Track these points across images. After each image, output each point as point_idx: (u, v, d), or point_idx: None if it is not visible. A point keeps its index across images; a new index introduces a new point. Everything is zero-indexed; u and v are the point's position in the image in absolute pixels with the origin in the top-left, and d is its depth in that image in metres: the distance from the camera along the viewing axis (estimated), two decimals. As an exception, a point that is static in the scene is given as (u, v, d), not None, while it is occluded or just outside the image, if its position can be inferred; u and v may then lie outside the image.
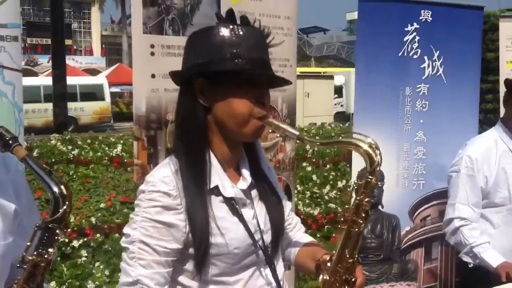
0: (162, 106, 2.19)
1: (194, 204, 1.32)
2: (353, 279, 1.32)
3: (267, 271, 1.44)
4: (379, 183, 1.34)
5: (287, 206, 1.59)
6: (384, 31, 3.16)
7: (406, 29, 3.23)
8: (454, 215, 2.44)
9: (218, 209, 1.36)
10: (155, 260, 1.31)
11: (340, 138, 1.35)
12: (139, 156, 2.15)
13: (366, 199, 1.30)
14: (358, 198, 1.31)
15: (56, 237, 1.07)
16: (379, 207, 3.19)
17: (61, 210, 1.06)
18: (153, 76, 2.16)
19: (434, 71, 3.37)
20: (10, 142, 1.08)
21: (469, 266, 2.42)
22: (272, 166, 1.64)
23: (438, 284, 3.47)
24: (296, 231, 1.61)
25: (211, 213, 1.33)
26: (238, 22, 1.36)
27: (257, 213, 1.43)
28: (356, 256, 1.33)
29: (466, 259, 2.41)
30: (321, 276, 1.35)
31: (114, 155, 9.00)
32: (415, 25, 3.25)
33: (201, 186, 1.33)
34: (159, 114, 2.18)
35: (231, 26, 1.33)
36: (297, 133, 1.34)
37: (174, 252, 1.33)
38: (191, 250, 1.34)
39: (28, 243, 1.07)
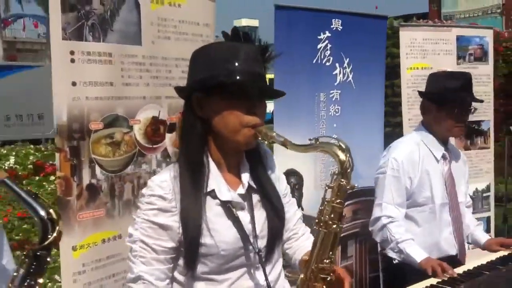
0: (84, 115, 2.09)
1: (188, 206, 1.43)
2: (328, 278, 1.39)
3: (259, 274, 1.53)
4: (347, 187, 1.39)
5: (296, 215, 1.70)
6: (299, 39, 3.26)
7: (319, 37, 3.36)
8: (381, 213, 2.56)
9: (213, 211, 1.47)
10: (154, 258, 1.45)
11: (318, 143, 1.40)
12: (62, 168, 2.04)
13: (339, 201, 1.36)
14: (333, 200, 1.35)
15: (45, 266, 1.02)
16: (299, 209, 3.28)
17: (50, 237, 1.02)
18: (74, 84, 2.06)
19: (345, 78, 3.54)
20: None
21: (394, 262, 2.55)
22: (284, 176, 1.72)
23: (354, 280, 3.63)
24: (304, 240, 1.68)
25: (204, 215, 1.44)
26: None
27: (256, 217, 1.52)
28: (333, 256, 1.40)
29: (392, 254, 2.54)
30: (300, 276, 1.43)
31: (7, 167, 8.40)
32: (327, 34, 3.39)
33: (198, 190, 1.45)
34: (81, 123, 2.08)
35: (227, 43, 1.48)
36: (283, 139, 1.43)
37: (171, 250, 1.47)
38: (183, 249, 1.46)
39: (15, 274, 1.01)
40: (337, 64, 3.47)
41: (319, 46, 3.37)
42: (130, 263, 1.48)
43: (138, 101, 2.30)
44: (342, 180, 1.38)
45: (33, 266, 1.00)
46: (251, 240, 1.50)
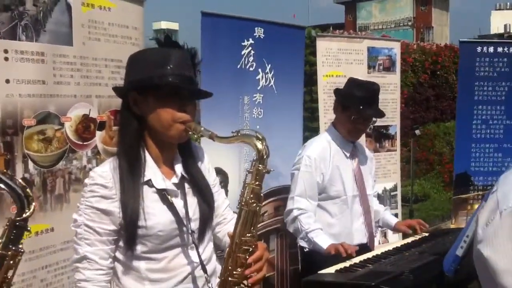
0: (17, 111, 2.16)
1: (127, 194, 1.60)
2: (250, 250, 1.58)
3: (192, 252, 1.71)
4: (264, 171, 1.59)
5: (224, 203, 1.90)
6: (225, 45, 3.45)
7: (243, 43, 3.58)
8: (293, 206, 2.79)
9: (149, 198, 1.64)
10: (97, 239, 1.60)
11: (239, 134, 1.60)
12: (-6, 163, 2.09)
13: (257, 183, 1.57)
14: (252, 183, 1.55)
15: (22, 234, 1.16)
16: (224, 206, 3.46)
17: (27, 210, 1.16)
18: (7, 81, 2.12)
19: (267, 82, 3.78)
20: None
21: (305, 250, 2.79)
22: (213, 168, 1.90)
23: (275, 273, 3.86)
24: (232, 225, 1.81)
25: (141, 202, 1.61)
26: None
27: (188, 203, 1.71)
28: (254, 231, 1.58)
29: (303, 244, 2.77)
30: (226, 249, 1.61)
31: None
32: (251, 41, 3.61)
33: (135, 179, 1.62)
34: (15, 119, 2.15)
35: (160, 49, 1.66)
36: (209, 133, 1.62)
37: (113, 232, 1.62)
38: (123, 232, 1.62)
39: (1, 240, 1.14)
40: (260, 70, 3.70)
41: (243, 52, 3.58)
42: (75, 245, 1.62)
43: (69, 99, 2.39)
44: (260, 165, 1.58)
45: (13, 234, 1.15)
46: (185, 222, 1.68)
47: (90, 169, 2.49)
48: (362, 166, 2.97)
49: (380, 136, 4.73)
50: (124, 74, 2.45)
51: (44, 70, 2.26)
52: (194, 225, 1.72)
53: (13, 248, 1.14)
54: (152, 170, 1.67)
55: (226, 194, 3.47)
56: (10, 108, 2.13)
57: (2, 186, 1.16)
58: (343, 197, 2.86)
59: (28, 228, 1.17)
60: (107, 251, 1.63)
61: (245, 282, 1.62)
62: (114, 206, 1.61)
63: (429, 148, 10.12)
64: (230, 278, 1.60)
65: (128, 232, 1.61)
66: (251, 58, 3.64)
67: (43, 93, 2.26)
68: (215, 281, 1.72)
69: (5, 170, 1.18)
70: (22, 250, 1.18)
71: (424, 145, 10.10)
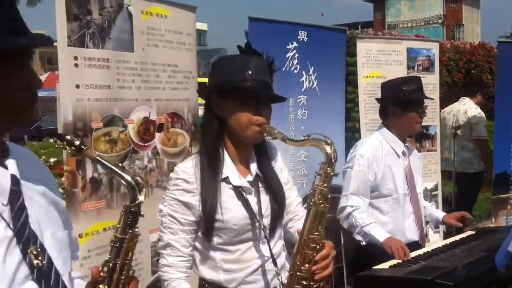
0: (87, 114, 2.30)
1: (207, 189, 1.75)
2: (318, 247, 1.65)
3: (264, 247, 1.83)
4: (332, 174, 1.67)
5: (296, 200, 1.99)
6: (270, 48, 3.51)
7: (287, 47, 3.67)
8: (346, 203, 2.87)
9: (226, 194, 1.79)
10: (180, 229, 1.77)
11: (309, 138, 1.69)
12: (68, 163, 2.23)
13: (325, 185, 1.64)
14: (320, 185, 1.64)
15: (138, 219, 1.25)
16: (270, 205, 3.56)
17: (139, 197, 1.24)
18: (77, 86, 2.26)
19: (310, 84, 3.86)
20: (82, 146, 1.23)
21: (362, 244, 2.86)
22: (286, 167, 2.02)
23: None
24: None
25: (219, 197, 1.76)
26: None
27: (261, 200, 1.82)
28: (321, 230, 1.66)
29: (358, 238, 2.84)
30: (295, 246, 1.69)
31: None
32: (295, 44, 3.70)
33: (215, 176, 1.77)
34: (84, 122, 2.29)
35: (241, 55, 1.80)
36: (282, 135, 1.73)
37: (193, 223, 1.78)
38: (202, 224, 1.77)
39: (118, 225, 1.24)
40: (303, 72, 3.78)
41: (287, 55, 3.67)
42: (160, 233, 1.80)
43: (132, 103, 2.52)
44: (328, 168, 1.66)
45: (129, 219, 1.24)
46: (257, 218, 1.80)
47: (151, 169, 2.64)
48: (412, 165, 3.03)
49: (421, 136, 4.76)
50: (179, 78, 2.62)
51: (109, 75, 2.39)
52: (266, 221, 1.83)
53: (130, 231, 1.24)
54: (229, 168, 1.80)
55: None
56: (80, 112, 2.27)
57: (117, 177, 1.26)
58: (395, 195, 2.92)
59: (142, 213, 1.26)
60: (188, 240, 1.79)
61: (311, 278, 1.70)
62: (195, 200, 1.75)
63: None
64: (298, 273, 1.67)
65: (206, 224, 1.75)
66: (295, 61, 3.72)
67: (108, 97, 2.39)
68: (284, 275, 1.79)
69: (116, 162, 1.28)
70: (138, 233, 1.26)
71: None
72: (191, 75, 2.92)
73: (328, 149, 1.67)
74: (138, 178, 1.27)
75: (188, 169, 1.78)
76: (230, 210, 1.77)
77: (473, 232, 2.97)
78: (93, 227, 2.30)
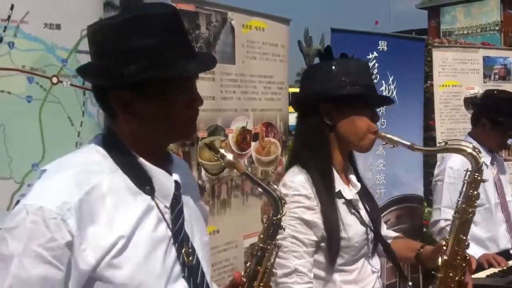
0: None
1: (327, 206, 1.63)
2: (468, 257, 1.68)
3: (372, 261, 1.77)
4: (480, 179, 1.68)
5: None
6: (352, 59, 3.60)
7: (368, 57, 3.71)
8: (440, 217, 2.88)
9: (342, 209, 1.68)
10: (305, 251, 1.61)
11: (447, 146, 1.72)
12: (176, 171, 2.35)
13: (476, 192, 1.67)
14: (470, 191, 1.67)
15: (277, 231, 1.32)
16: (352, 213, 3.60)
17: (281, 212, 1.31)
18: (186, 98, 2.39)
19: (390, 94, 3.88)
20: (234, 161, 1.30)
21: None
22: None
23: (397, 280, 3.93)
24: (384, 229, 1.96)
25: (339, 213, 1.65)
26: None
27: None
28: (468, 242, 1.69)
29: None
30: (441, 257, 1.69)
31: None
32: (375, 54, 3.74)
33: (330, 191, 1.65)
34: (192, 132, 2.41)
35: (344, 60, 1.72)
36: (409, 143, 1.72)
37: (315, 244, 1.64)
38: (322, 244, 1.64)
39: (261, 235, 1.32)
40: (383, 81, 3.81)
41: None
42: (280, 260, 1.56)
43: (232, 113, 2.64)
44: (477, 174, 1.68)
45: (270, 231, 1.32)
46: (368, 232, 1.74)
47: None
48: (501, 174, 3.01)
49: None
50: (274, 89, 2.57)
51: (214, 87, 2.51)
52: (371, 234, 1.76)
53: (271, 242, 1.31)
54: (338, 181, 1.70)
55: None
56: (186, 123, 2.39)
57: (262, 191, 1.34)
58: (487, 205, 2.92)
59: (283, 226, 1.33)
60: (312, 262, 1.63)
61: None
62: (317, 218, 1.62)
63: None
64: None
65: (334, 244, 1.62)
66: (375, 71, 3.75)
67: (213, 108, 2.51)
68: None
69: (262, 177, 1.38)
70: (279, 245, 1.33)
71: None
72: (283, 86, 3.02)
73: (474, 153, 1.68)
74: (281, 193, 1.34)
75: (306, 184, 1.64)
76: (352, 227, 1.67)
77: None
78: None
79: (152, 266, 1.11)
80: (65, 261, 1.02)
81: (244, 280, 1.29)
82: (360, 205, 1.76)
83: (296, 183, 1.64)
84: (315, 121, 1.70)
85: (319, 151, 1.69)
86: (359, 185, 1.78)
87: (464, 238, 1.70)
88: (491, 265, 2.57)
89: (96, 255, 1.04)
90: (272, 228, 1.32)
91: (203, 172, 2.46)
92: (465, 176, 1.72)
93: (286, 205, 1.32)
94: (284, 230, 1.35)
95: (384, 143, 1.75)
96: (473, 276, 2.43)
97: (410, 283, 1.86)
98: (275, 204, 1.31)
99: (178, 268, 1.18)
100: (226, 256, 2.58)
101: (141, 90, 1.12)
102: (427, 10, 34.18)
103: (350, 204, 1.71)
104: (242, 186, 2.72)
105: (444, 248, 1.70)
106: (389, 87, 3.86)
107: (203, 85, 2.46)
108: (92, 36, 1.15)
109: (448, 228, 2.80)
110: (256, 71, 2.77)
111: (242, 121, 2.70)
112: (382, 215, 3.89)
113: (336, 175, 1.71)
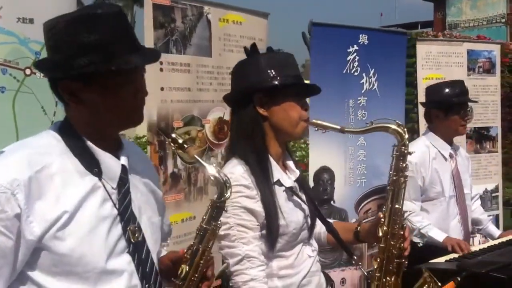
0: (169, 115, 2.54)
1: (266, 195, 1.68)
2: (404, 225, 1.76)
3: (308, 247, 1.83)
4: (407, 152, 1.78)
5: None
6: (332, 51, 3.70)
7: (348, 50, 3.80)
8: None
9: (281, 197, 1.74)
10: (252, 236, 1.66)
11: (374, 125, 1.82)
12: (152, 159, 2.48)
13: (404, 164, 1.78)
14: (400, 164, 1.77)
15: (222, 213, 1.40)
16: (332, 202, 3.72)
17: (226, 195, 1.39)
18: (162, 89, 2.51)
19: (370, 86, 3.97)
20: (184, 145, 1.39)
21: (419, 245, 2.97)
22: None
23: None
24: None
25: (277, 201, 1.71)
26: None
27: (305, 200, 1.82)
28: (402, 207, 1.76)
29: (416, 240, 2.96)
30: (381, 229, 1.76)
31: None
32: (355, 47, 3.84)
33: (268, 180, 1.71)
34: (167, 122, 2.53)
35: (276, 53, 1.81)
36: (339, 127, 1.81)
37: (260, 228, 1.68)
38: (263, 232, 1.69)
39: (204, 217, 1.40)
40: (364, 74, 3.90)
41: (348, 58, 3.80)
42: (229, 249, 1.65)
43: (209, 104, 2.75)
44: (403, 148, 1.78)
45: (214, 213, 1.40)
46: (306, 218, 1.80)
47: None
48: (460, 166, 3.11)
49: (481, 138, 4.77)
50: None
51: (189, 79, 2.63)
52: (309, 220, 1.82)
53: (214, 223, 1.38)
54: (276, 169, 1.76)
55: (333, 191, 3.75)
56: (164, 112, 2.51)
57: (210, 175, 1.40)
58: (442, 198, 3.02)
59: (226, 209, 1.40)
60: (261, 246, 1.67)
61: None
62: (258, 206, 1.67)
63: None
64: (392, 251, 1.75)
65: (273, 231, 1.67)
66: (356, 64, 3.85)
67: (189, 99, 2.63)
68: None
69: (211, 162, 1.46)
70: (220, 226, 1.40)
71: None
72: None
73: (399, 129, 1.77)
74: (226, 177, 1.40)
75: (245, 174, 1.68)
76: (289, 214, 1.72)
77: (534, 232, 3.03)
78: (172, 218, 2.51)
79: (94, 240, 1.23)
80: (15, 231, 1.15)
81: (188, 257, 1.39)
82: (299, 191, 1.84)
83: (236, 174, 1.68)
84: (250, 113, 1.75)
85: (255, 141, 1.75)
86: (297, 171, 1.84)
87: (399, 207, 1.78)
88: (453, 250, 2.68)
89: (41, 227, 1.17)
90: (216, 210, 1.40)
91: (178, 160, 2.58)
92: (393, 151, 1.81)
93: (230, 189, 1.39)
94: (226, 212, 1.43)
95: (316, 129, 1.84)
96: (432, 260, 2.56)
97: (355, 257, 1.95)
98: (220, 187, 1.39)
99: (123, 244, 1.29)
100: (202, 241, 2.69)
101: (88, 81, 1.24)
102: (433, 2, 33.99)
103: (290, 191, 1.77)
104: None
105: (383, 220, 1.77)
106: (370, 80, 3.96)
107: (178, 76, 2.59)
108: (47, 32, 1.27)
109: (409, 217, 2.94)
110: (233, 63, 2.80)
111: (219, 112, 2.81)
112: (363, 204, 4.03)
113: (274, 163, 1.77)
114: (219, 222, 1.40)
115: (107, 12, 1.25)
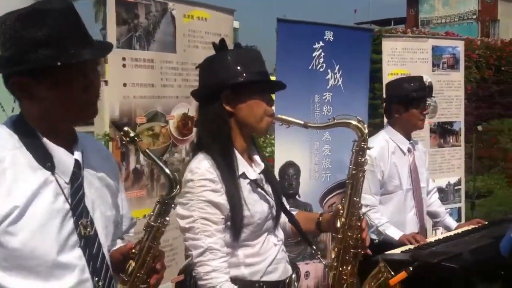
0: (132, 111, 2.56)
1: (231, 188, 1.74)
2: (362, 217, 1.84)
3: (273, 237, 1.90)
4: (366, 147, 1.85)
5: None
6: (298, 48, 3.76)
7: (314, 46, 3.87)
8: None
9: (246, 189, 1.81)
10: (216, 229, 1.72)
11: (335, 121, 1.89)
12: (113, 155, 2.49)
13: (363, 159, 1.85)
14: (359, 159, 1.85)
15: (170, 210, 1.41)
16: (297, 196, 3.79)
17: (174, 191, 1.39)
18: (124, 85, 2.53)
19: (336, 82, 4.05)
20: (136, 138, 1.39)
21: (375, 242, 3.05)
22: None
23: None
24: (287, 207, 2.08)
25: (241, 193, 1.77)
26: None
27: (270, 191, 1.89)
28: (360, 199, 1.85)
29: (373, 236, 3.03)
30: (339, 220, 1.84)
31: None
32: (321, 43, 3.90)
33: (233, 173, 1.77)
34: (129, 117, 2.56)
35: (243, 50, 1.87)
36: (303, 122, 1.86)
37: (224, 222, 1.75)
38: (228, 223, 1.76)
39: (152, 213, 1.41)
40: (329, 70, 3.97)
41: (314, 54, 3.87)
42: (193, 242, 1.71)
43: (173, 100, 2.78)
44: (363, 143, 1.85)
45: (162, 210, 1.41)
46: (272, 209, 1.87)
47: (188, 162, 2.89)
48: (417, 160, 3.21)
49: (444, 132, 4.90)
50: None
51: (153, 75, 2.65)
52: (274, 211, 1.90)
53: (160, 220, 1.39)
54: (242, 163, 1.82)
55: (298, 186, 3.82)
56: (126, 108, 2.54)
57: (159, 169, 1.41)
58: (399, 191, 3.11)
59: (174, 205, 1.41)
60: (224, 238, 1.75)
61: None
62: (223, 199, 1.73)
63: (493, 144, 10.04)
64: (350, 242, 1.84)
65: (237, 222, 1.75)
66: (321, 60, 3.92)
67: (152, 95, 2.66)
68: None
69: (160, 156, 1.46)
70: (167, 223, 1.40)
71: (488, 141, 10.02)
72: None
73: (359, 125, 1.85)
74: (176, 174, 1.40)
75: (211, 168, 1.74)
76: (253, 205, 1.79)
77: (486, 223, 3.14)
78: (135, 214, 2.52)
79: (46, 234, 1.26)
80: None
81: (136, 252, 1.40)
82: (265, 183, 1.90)
83: (202, 168, 1.74)
84: (217, 109, 1.80)
85: (221, 136, 1.80)
86: (262, 164, 1.91)
87: (358, 200, 1.86)
88: (411, 244, 2.77)
89: None
90: (164, 207, 1.41)
91: (141, 156, 2.61)
92: (353, 146, 1.88)
93: (179, 186, 1.40)
94: (174, 209, 1.45)
95: (280, 124, 1.91)
96: (389, 252, 2.64)
97: (314, 247, 2.02)
98: (170, 184, 1.40)
99: (74, 238, 1.31)
100: (166, 238, 2.72)
101: (38, 76, 1.26)
102: (406, -1, 34.39)
103: (254, 183, 1.83)
104: (182, 171, 2.87)
105: (341, 212, 1.85)
106: (335, 76, 4.03)
107: (141, 72, 2.61)
108: None
109: (368, 213, 3.02)
110: (198, 59, 2.85)
111: (183, 108, 2.85)
112: (327, 198, 4.11)
113: (239, 157, 1.83)
114: (166, 219, 1.41)
115: (57, 8, 1.26)
